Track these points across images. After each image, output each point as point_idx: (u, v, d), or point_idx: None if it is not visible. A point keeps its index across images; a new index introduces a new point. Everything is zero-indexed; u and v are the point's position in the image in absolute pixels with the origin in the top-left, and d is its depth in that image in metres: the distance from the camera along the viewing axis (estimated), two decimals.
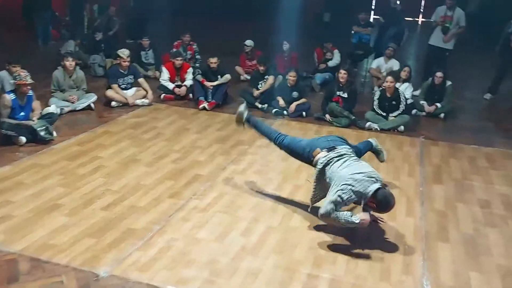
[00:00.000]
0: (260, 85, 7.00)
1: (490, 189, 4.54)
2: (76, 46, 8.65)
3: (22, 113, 5.15)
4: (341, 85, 6.39)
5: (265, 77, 7.05)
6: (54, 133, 5.24)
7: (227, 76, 7.02)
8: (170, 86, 6.99)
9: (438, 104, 6.79)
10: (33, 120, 5.15)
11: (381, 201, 3.31)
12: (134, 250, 3.31)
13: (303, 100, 6.66)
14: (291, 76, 6.63)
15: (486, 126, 6.55)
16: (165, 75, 7.05)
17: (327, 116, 6.38)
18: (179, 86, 7.02)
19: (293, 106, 6.54)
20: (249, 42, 8.49)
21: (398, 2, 9.17)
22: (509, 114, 7.18)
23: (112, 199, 3.99)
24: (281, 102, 6.63)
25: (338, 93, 6.41)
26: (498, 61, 8.05)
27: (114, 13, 10.53)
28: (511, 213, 4.08)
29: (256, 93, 6.91)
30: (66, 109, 6.11)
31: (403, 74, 7.02)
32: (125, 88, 6.65)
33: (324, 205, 3.38)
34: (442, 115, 6.75)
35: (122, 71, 6.62)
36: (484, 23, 13.14)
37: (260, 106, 6.78)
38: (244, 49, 8.46)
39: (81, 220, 3.64)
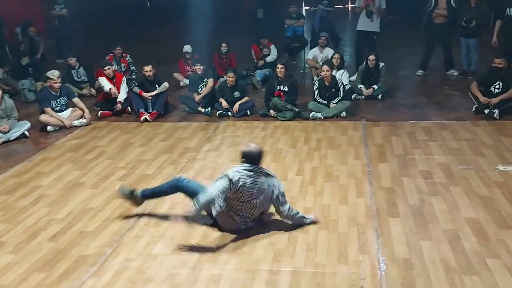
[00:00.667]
0: (200, 89, 6.94)
1: (430, 160, 4.77)
2: (4, 73, 8.17)
3: None
4: (280, 79, 6.47)
5: (204, 80, 7.00)
6: None
7: (165, 84, 6.90)
8: (108, 86, 6.75)
9: (375, 86, 7.04)
10: None
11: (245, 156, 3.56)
12: (87, 277, 3.17)
13: (245, 98, 6.68)
14: (230, 77, 6.63)
15: (420, 101, 6.88)
16: (103, 81, 6.82)
17: (271, 111, 6.44)
18: (114, 100, 6.80)
19: (236, 106, 6.54)
20: (187, 48, 8.36)
21: None
22: (440, 88, 7.58)
23: (58, 228, 3.80)
24: (224, 103, 6.61)
25: (278, 87, 6.49)
26: (424, 38, 8.46)
27: (35, 33, 10.03)
28: (451, 181, 4.30)
29: (197, 98, 6.84)
30: None
31: (335, 61, 7.22)
32: (60, 110, 6.37)
33: (287, 206, 3.56)
34: (379, 96, 7.02)
35: (53, 93, 6.33)
36: (407, 3, 13.80)
37: (203, 110, 6.72)
38: (184, 55, 8.32)
39: (27, 255, 3.45)
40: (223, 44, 8.24)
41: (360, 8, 7.99)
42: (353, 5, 17.43)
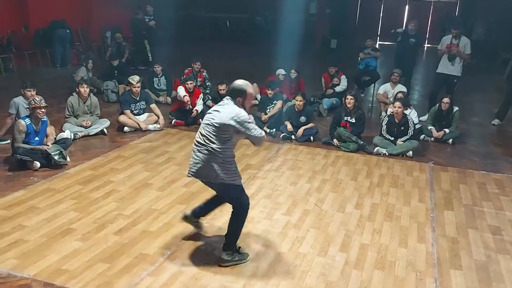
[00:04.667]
0: (268, 110, 7.10)
1: (500, 216, 4.53)
2: (89, 73, 8.85)
3: (37, 138, 5.26)
4: (348, 110, 6.47)
5: (273, 101, 7.16)
6: (68, 158, 5.34)
7: None
8: (182, 94, 7.05)
9: (446, 130, 6.83)
10: (48, 145, 5.25)
11: (233, 89, 3.39)
12: (145, 275, 3.33)
13: (311, 124, 6.74)
14: (299, 100, 6.72)
15: (494, 152, 6.55)
16: (181, 91, 7.15)
17: (335, 141, 6.44)
18: (190, 112, 7.14)
19: (300, 130, 6.62)
20: (280, 71, 8.46)
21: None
22: None
23: (124, 223, 4.03)
24: (289, 126, 6.71)
25: (345, 118, 6.49)
26: (506, 87, 8.10)
27: (121, 39, 10.82)
28: None
29: (264, 117, 7.00)
30: (80, 134, 6.24)
31: (393, 78, 7.52)
32: (138, 114, 6.79)
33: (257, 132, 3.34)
34: (450, 140, 6.78)
35: (134, 97, 6.77)
36: (491, 50, 13.31)
37: (268, 130, 6.86)
38: (278, 77, 8.48)
39: (94, 245, 3.69)
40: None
41: (443, 51, 7.83)
42: (429, 45, 17.13)
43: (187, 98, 7.08)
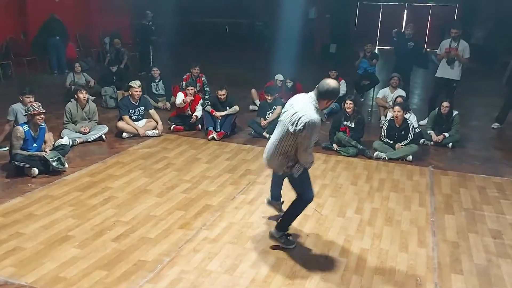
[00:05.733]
0: (268, 115, 7.09)
1: (501, 219, 4.50)
2: (77, 75, 8.82)
3: (35, 145, 5.25)
4: (348, 115, 6.45)
5: (273, 107, 7.16)
6: (66, 164, 5.32)
7: (236, 108, 7.13)
8: (181, 98, 7.05)
9: (446, 134, 6.81)
10: (46, 152, 5.23)
11: (326, 93, 3.39)
12: (144, 282, 3.30)
13: None
14: None
15: (494, 156, 6.53)
16: (180, 96, 7.14)
17: (335, 145, 6.42)
18: (189, 117, 7.13)
19: None
20: (279, 76, 8.50)
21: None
22: None
23: (122, 230, 4.01)
24: None
25: (345, 122, 6.47)
26: (505, 90, 8.09)
27: (120, 45, 10.84)
28: None
29: (263, 122, 6.99)
30: (78, 140, 6.22)
31: (393, 83, 7.60)
32: (136, 119, 6.77)
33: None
34: (450, 144, 6.76)
35: (133, 102, 6.76)
36: (490, 54, 13.33)
37: (267, 135, 6.83)
38: (276, 82, 8.51)
39: (92, 252, 3.66)
40: (288, 80, 8.39)
41: (442, 56, 7.83)
42: (429, 49, 17.16)
43: (189, 98, 7.04)
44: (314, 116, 3.35)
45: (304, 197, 3.70)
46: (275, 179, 4.14)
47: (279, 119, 3.67)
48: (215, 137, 6.71)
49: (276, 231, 3.77)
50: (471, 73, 9.17)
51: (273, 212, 4.36)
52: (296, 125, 3.36)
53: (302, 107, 3.41)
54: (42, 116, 5.17)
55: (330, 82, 3.44)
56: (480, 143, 7.16)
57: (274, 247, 3.80)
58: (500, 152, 6.72)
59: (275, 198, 4.23)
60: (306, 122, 3.32)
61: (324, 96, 3.42)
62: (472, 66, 8.64)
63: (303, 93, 3.60)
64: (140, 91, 6.74)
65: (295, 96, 3.66)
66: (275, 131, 3.71)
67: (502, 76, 7.99)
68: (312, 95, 3.46)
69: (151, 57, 11.07)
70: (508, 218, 4.53)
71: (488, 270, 3.61)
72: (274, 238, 3.78)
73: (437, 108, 7.03)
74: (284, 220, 3.79)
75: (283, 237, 3.77)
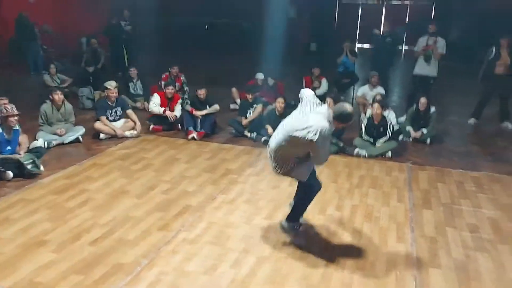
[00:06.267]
0: (248, 114, 7.07)
1: (478, 214, 4.57)
2: (53, 77, 8.64)
3: (9, 148, 5.11)
4: None
5: (254, 105, 7.14)
6: (42, 167, 5.20)
7: (216, 107, 7.09)
8: (160, 110, 6.99)
9: (424, 130, 6.90)
10: (20, 154, 5.10)
11: (340, 115, 3.41)
12: (122, 285, 3.24)
13: None
14: (280, 103, 6.70)
15: (471, 150, 6.65)
16: (155, 99, 7.06)
17: None
18: (166, 116, 7.04)
19: None
20: (259, 75, 8.51)
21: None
22: (493, 138, 7.31)
23: (100, 233, 3.93)
24: (270, 130, 6.66)
25: None
26: (481, 87, 8.25)
27: (97, 45, 10.67)
28: (500, 238, 4.10)
29: (244, 121, 6.97)
30: (54, 143, 6.09)
31: (372, 81, 7.67)
32: (114, 120, 6.66)
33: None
34: (428, 140, 6.86)
35: (110, 103, 6.65)
36: (466, 51, 13.57)
37: (249, 135, 6.82)
38: (256, 81, 8.49)
39: (69, 255, 3.58)
40: (269, 78, 8.39)
41: (419, 53, 7.95)
42: (406, 47, 17.40)
43: (168, 112, 6.98)
44: (326, 124, 3.39)
45: (311, 188, 3.79)
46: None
47: (284, 122, 3.66)
48: (195, 136, 6.65)
49: (285, 222, 3.86)
50: (448, 70, 9.33)
51: (255, 213, 4.34)
52: (308, 133, 3.38)
53: (315, 119, 3.42)
54: (16, 118, 5.04)
55: (347, 107, 3.47)
56: (458, 138, 7.28)
57: (288, 243, 3.83)
58: (477, 147, 6.84)
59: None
60: (318, 131, 3.35)
61: (341, 119, 3.45)
62: (448, 63, 8.79)
63: (322, 105, 3.57)
64: (116, 92, 6.64)
65: (309, 102, 3.59)
66: (278, 134, 3.66)
67: (478, 72, 8.14)
68: (328, 111, 3.47)
69: (125, 57, 10.92)
70: (485, 212, 4.61)
71: (466, 265, 3.66)
72: (283, 228, 3.86)
73: (415, 105, 7.12)
74: (294, 211, 3.88)
75: (292, 229, 3.86)
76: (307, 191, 3.81)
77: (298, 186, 3.97)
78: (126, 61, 10.87)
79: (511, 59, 7.59)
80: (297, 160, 3.59)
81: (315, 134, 3.34)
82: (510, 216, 4.52)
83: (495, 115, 8.14)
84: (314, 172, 3.81)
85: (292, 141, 3.48)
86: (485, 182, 5.38)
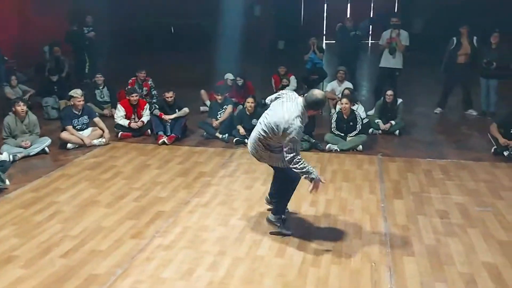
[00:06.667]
0: (219, 115, 7.03)
1: (447, 200, 4.70)
2: (14, 89, 8.38)
3: None
4: None
5: (224, 106, 7.10)
6: (7, 181, 5.03)
7: (185, 110, 7.02)
8: (125, 122, 6.90)
9: (392, 122, 7.04)
10: None
11: (313, 103, 3.61)
12: None
13: None
14: (250, 102, 6.69)
15: (438, 139, 6.83)
16: (120, 112, 6.96)
17: None
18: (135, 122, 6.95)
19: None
20: (229, 75, 8.48)
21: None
22: (458, 127, 7.53)
23: (71, 245, 3.83)
24: (242, 130, 6.66)
25: None
26: (444, 77, 8.48)
27: (60, 53, 10.39)
28: (468, 222, 4.22)
29: (215, 123, 6.93)
30: (19, 155, 5.89)
31: (339, 76, 7.76)
32: (81, 129, 6.50)
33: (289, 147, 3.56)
34: (396, 132, 7.00)
35: (76, 112, 6.49)
36: (429, 43, 13.90)
37: (220, 136, 6.78)
38: (226, 81, 8.45)
39: (39, 270, 3.47)
40: (238, 78, 8.38)
41: (384, 46, 8.11)
42: (372, 41, 17.72)
43: (132, 124, 6.88)
44: (297, 123, 3.55)
45: (290, 178, 3.88)
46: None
47: (261, 118, 3.84)
48: (166, 141, 6.57)
49: (273, 216, 4.02)
50: (412, 61, 9.52)
51: (230, 214, 4.31)
52: (278, 128, 3.58)
53: (289, 113, 3.59)
54: None
55: (318, 93, 3.67)
56: (424, 128, 7.46)
57: (273, 233, 3.97)
58: (443, 135, 7.03)
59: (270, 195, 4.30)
60: (291, 128, 3.53)
61: (313, 107, 3.66)
62: (413, 54, 8.99)
63: (293, 96, 3.75)
64: (82, 100, 6.48)
65: (284, 97, 3.78)
66: (256, 128, 3.88)
67: (441, 63, 8.36)
68: (301, 103, 3.65)
69: (87, 64, 10.68)
70: (453, 198, 4.73)
71: (437, 250, 3.75)
72: (271, 222, 4.03)
73: (382, 98, 7.25)
74: (279, 204, 4.02)
75: (279, 220, 3.99)
76: (288, 183, 3.93)
77: (275, 179, 4.11)
78: (87, 68, 10.61)
79: (472, 48, 7.84)
80: (278, 148, 3.74)
81: (292, 124, 3.51)
82: (477, 201, 4.67)
83: (459, 104, 8.38)
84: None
85: (270, 131, 3.67)
86: (452, 169, 5.53)
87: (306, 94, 3.70)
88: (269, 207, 4.32)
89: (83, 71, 10.76)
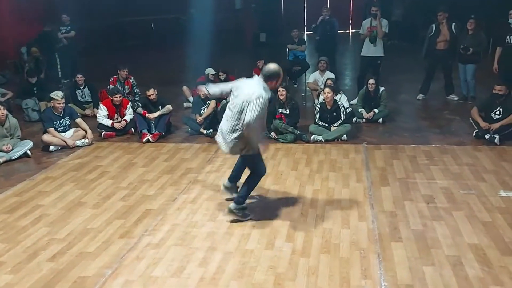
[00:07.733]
0: (202, 111, 6.99)
1: (432, 185, 4.77)
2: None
3: None
4: (281, 102, 6.53)
5: (207, 102, 7.06)
6: None
7: (169, 107, 6.96)
8: (108, 122, 6.82)
9: (376, 110, 7.10)
10: None
11: (270, 75, 3.84)
12: None
13: None
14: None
15: (421, 126, 6.91)
16: (102, 112, 6.87)
17: (273, 134, 6.47)
18: (119, 123, 6.87)
19: None
20: (210, 70, 8.42)
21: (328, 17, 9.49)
22: (441, 112, 7.63)
23: (58, 248, 3.78)
24: None
25: (280, 110, 6.54)
26: (425, 63, 8.57)
27: (38, 53, 10.17)
28: (453, 206, 4.29)
29: (199, 119, 6.88)
30: (1, 160, 5.78)
31: (320, 66, 7.82)
32: (63, 131, 6.40)
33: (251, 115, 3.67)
34: (380, 120, 7.06)
35: (57, 113, 6.38)
36: (410, 30, 14.04)
37: (205, 132, 6.75)
38: (207, 76, 8.39)
39: (26, 275, 3.42)
40: (220, 73, 8.33)
41: (365, 35, 8.15)
42: (354, 30, 17.80)
43: (116, 124, 6.80)
44: (263, 92, 3.76)
45: (257, 172, 4.12)
46: (237, 163, 4.44)
47: (228, 104, 3.98)
48: (150, 139, 6.51)
49: (234, 205, 4.11)
50: (393, 49, 9.63)
51: (218, 209, 4.31)
52: (249, 100, 3.70)
53: (253, 87, 3.79)
54: None
55: (271, 66, 3.90)
56: (408, 115, 7.55)
57: (233, 221, 4.10)
58: (426, 121, 7.12)
59: (231, 180, 4.45)
60: (257, 95, 3.70)
61: (270, 78, 3.87)
62: (394, 42, 9.05)
63: (250, 79, 4.00)
64: (63, 103, 6.36)
65: (242, 81, 4.01)
66: (225, 117, 3.98)
67: (422, 50, 8.44)
68: (259, 78, 3.88)
69: (58, 65, 10.49)
70: (438, 183, 4.81)
71: (424, 234, 3.81)
72: (232, 212, 4.11)
73: (364, 87, 7.30)
74: (241, 195, 4.13)
75: (241, 210, 4.11)
76: (254, 176, 4.13)
77: (240, 167, 4.36)
78: (59, 71, 10.41)
79: (451, 34, 7.92)
80: (244, 132, 3.79)
81: (260, 95, 3.70)
82: (461, 184, 4.75)
83: (441, 89, 8.49)
84: (260, 155, 4.06)
85: (242, 114, 3.76)
86: (436, 154, 5.61)
87: (262, 69, 3.92)
88: (228, 196, 4.49)
89: (56, 73, 10.55)
